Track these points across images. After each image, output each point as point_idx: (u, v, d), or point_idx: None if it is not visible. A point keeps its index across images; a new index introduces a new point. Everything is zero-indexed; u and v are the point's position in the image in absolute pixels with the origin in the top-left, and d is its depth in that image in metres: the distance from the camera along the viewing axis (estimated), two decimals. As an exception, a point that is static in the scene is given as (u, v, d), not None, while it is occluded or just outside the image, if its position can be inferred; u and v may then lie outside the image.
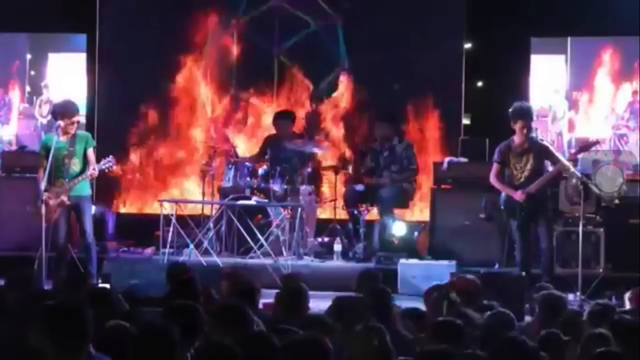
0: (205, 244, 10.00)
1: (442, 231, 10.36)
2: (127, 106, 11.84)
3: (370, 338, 4.38)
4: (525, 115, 8.95)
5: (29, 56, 12.11)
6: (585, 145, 9.73)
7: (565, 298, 6.43)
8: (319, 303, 6.27)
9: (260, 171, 10.44)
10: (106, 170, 8.98)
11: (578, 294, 8.51)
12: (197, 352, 4.21)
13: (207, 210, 10.76)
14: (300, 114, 11.62)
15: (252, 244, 9.94)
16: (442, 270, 9.02)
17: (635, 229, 9.68)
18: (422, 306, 6.24)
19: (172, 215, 9.95)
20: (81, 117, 9.82)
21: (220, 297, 6.18)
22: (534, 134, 9.32)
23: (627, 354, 4.55)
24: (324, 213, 11.28)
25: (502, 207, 8.99)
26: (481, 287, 6.63)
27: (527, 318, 7.06)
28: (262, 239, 9.97)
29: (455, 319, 5.06)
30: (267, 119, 11.63)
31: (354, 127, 11.79)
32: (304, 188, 10.45)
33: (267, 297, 6.36)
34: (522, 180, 8.92)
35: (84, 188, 8.99)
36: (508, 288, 7.67)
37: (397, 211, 10.64)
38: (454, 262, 9.52)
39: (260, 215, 10.54)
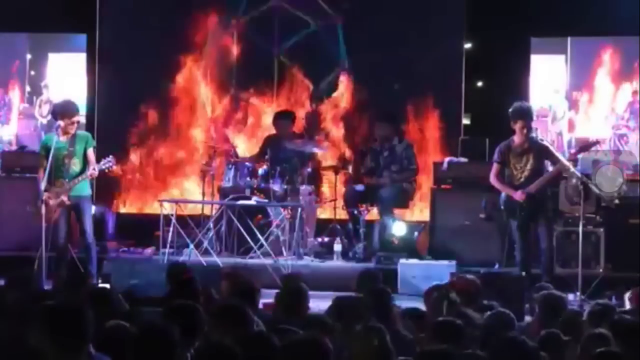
0: (205, 244, 10.00)
1: (442, 231, 10.36)
2: (127, 106, 11.83)
3: (370, 338, 4.38)
4: (525, 115, 8.95)
5: (29, 56, 12.10)
6: (585, 145, 9.72)
7: (565, 298, 6.43)
8: (319, 303, 6.27)
9: (260, 171, 10.43)
10: (106, 170, 8.97)
11: (578, 294, 8.51)
12: (197, 352, 4.20)
13: (207, 210, 10.75)
14: (300, 114, 11.61)
15: (252, 244, 9.94)
16: (442, 270, 9.02)
17: (635, 229, 9.68)
18: (422, 306, 6.24)
19: (172, 215, 9.95)
20: (81, 117, 9.81)
21: (220, 297, 6.17)
22: (534, 134, 9.31)
23: (627, 354, 4.55)
24: (324, 213, 11.28)
25: (502, 207, 8.99)
26: (481, 287, 6.63)
27: (527, 318, 7.06)
28: (262, 239, 9.96)
29: (455, 319, 5.06)
30: (267, 119, 11.63)
31: (354, 127, 11.78)
32: (304, 188, 10.45)
33: (267, 297, 6.35)
34: (522, 180, 8.91)
35: (84, 188, 8.98)
36: (508, 288, 7.66)
37: (397, 211, 10.63)
38: (454, 262, 9.52)
39: (260, 215, 10.54)
